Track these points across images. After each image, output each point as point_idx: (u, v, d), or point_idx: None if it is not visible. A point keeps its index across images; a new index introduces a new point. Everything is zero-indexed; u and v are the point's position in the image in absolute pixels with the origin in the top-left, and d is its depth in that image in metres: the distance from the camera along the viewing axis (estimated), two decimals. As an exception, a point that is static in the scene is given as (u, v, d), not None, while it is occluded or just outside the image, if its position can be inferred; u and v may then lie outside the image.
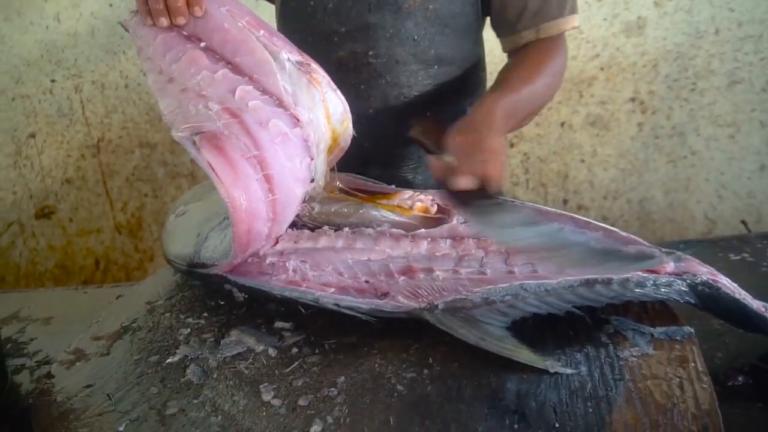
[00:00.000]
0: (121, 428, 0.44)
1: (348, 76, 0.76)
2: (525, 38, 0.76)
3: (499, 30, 0.80)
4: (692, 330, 0.50)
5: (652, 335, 0.50)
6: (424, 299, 0.52)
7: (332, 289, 0.54)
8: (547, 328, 0.52)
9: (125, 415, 0.46)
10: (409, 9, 0.73)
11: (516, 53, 0.79)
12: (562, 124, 1.60)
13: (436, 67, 0.77)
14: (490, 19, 0.81)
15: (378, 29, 0.74)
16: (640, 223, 1.77)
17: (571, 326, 0.52)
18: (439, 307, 0.51)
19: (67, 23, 1.54)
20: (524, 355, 0.48)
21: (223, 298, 0.62)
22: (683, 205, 1.71)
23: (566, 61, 0.78)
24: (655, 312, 0.54)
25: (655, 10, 1.47)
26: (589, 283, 0.51)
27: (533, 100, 0.73)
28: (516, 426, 0.41)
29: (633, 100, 1.57)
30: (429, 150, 0.65)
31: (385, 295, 0.53)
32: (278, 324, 0.56)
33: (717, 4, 1.46)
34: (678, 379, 0.45)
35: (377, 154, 0.79)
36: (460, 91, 0.81)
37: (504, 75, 0.75)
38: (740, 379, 0.52)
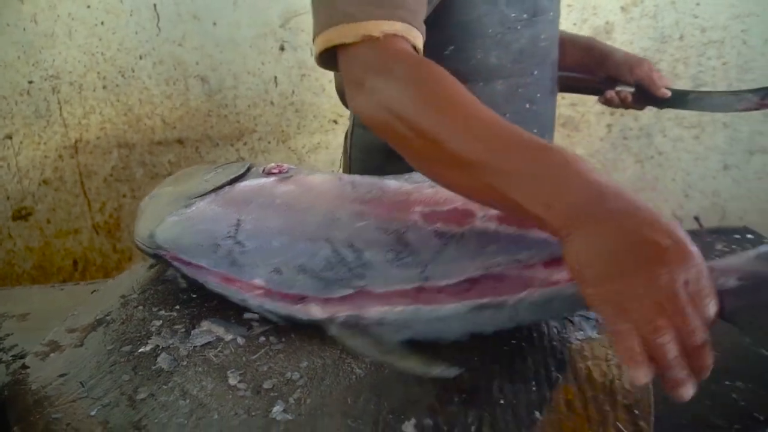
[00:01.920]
0: (93, 413, 0.47)
1: (526, 63, 0.79)
2: None
3: None
4: (634, 316, 0.54)
5: (597, 321, 0.54)
6: (329, 310, 0.54)
7: (260, 291, 0.57)
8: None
9: (97, 400, 0.48)
10: None
11: None
12: (534, 126, 1.65)
13: (559, 46, 0.85)
14: None
15: (547, 12, 0.78)
16: (611, 222, 1.82)
17: (523, 313, 0.56)
18: (338, 320, 0.53)
19: (44, 24, 1.55)
20: (412, 363, 0.49)
21: (195, 291, 0.64)
22: (651, 204, 1.76)
23: None
24: (601, 300, 0.57)
25: (622, 16, 1.52)
26: (481, 308, 0.51)
27: None
28: (464, 403, 0.44)
29: (602, 102, 1.62)
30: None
31: (302, 299, 0.56)
32: (248, 315, 0.59)
33: (681, 10, 1.52)
34: (616, 360, 0.48)
35: (540, 136, 0.85)
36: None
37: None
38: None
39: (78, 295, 0.83)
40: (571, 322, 0.54)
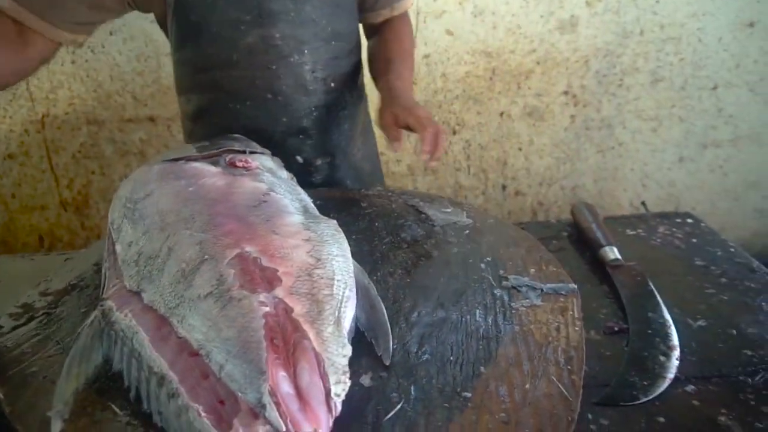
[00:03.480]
0: (69, 367, 0.49)
1: (259, 59, 0.86)
2: (382, 16, 0.98)
3: (361, 9, 0.96)
4: (576, 287, 0.59)
5: (542, 290, 0.59)
6: None
7: None
8: (460, 283, 0.60)
9: (73, 357, 0.51)
10: None
11: (373, 28, 1.00)
12: (501, 114, 1.70)
13: (333, 42, 0.90)
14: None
15: (281, 14, 0.84)
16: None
17: (477, 282, 0.60)
18: None
19: (11, -4, 1.52)
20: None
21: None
22: (611, 193, 1.84)
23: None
24: (548, 272, 0.62)
25: (587, 10, 1.58)
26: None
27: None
28: (419, 359, 0.49)
29: (566, 93, 1.68)
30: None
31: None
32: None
33: (642, 6, 1.58)
34: (557, 324, 0.53)
35: (292, 125, 0.91)
36: (351, 58, 0.95)
37: (389, 56, 0.94)
38: (615, 329, 0.61)
39: (48, 265, 0.85)
40: (519, 291, 0.59)
